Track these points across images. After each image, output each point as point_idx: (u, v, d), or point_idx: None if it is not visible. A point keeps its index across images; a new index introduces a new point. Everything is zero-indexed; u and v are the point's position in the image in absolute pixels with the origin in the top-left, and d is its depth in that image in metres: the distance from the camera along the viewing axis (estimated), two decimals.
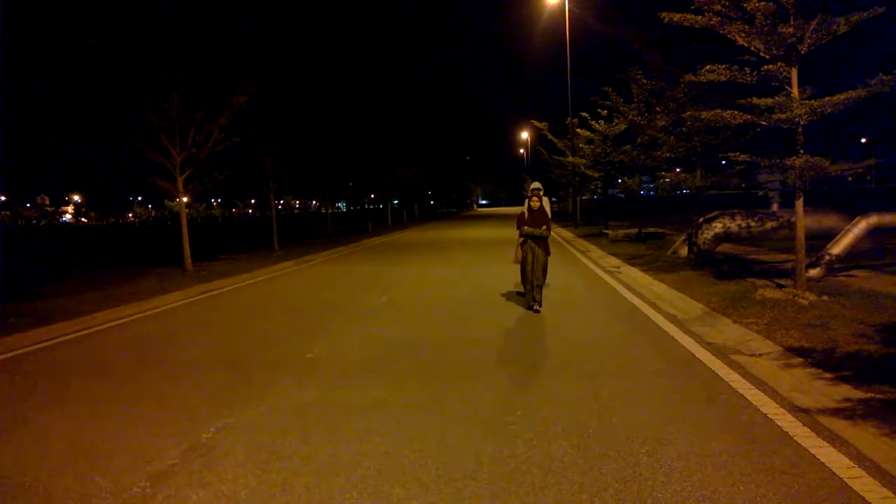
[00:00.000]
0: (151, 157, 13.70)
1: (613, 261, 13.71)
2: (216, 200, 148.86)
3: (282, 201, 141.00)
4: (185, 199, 14.91)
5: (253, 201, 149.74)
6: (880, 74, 6.74)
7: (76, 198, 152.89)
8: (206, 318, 9.00)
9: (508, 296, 9.44)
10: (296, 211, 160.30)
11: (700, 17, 7.74)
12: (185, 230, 14.61)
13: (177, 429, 4.26)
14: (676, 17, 7.97)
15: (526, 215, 8.32)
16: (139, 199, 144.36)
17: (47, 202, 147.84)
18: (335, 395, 4.94)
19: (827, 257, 9.10)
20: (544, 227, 8.21)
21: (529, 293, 8.24)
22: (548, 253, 8.33)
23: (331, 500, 3.16)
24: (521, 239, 8.31)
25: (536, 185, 8.50)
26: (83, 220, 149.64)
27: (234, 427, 4.25)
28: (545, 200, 8.49)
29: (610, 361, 5.66)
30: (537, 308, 8.10)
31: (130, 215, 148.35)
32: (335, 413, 4.47)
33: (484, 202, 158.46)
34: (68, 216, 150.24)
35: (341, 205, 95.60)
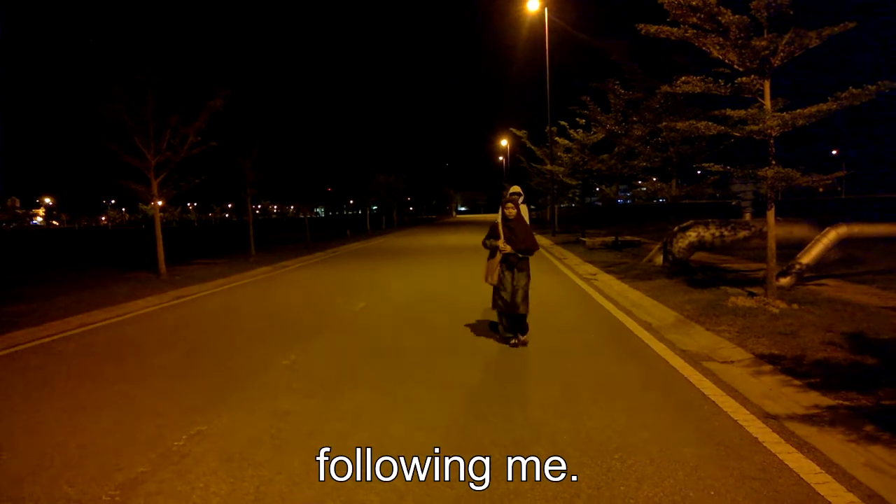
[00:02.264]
0: (125, 159, 13.47)
1: (590, 268, 13.82)
2: (192, 204, 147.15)
3: (259, 206, 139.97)
4: (159, 203, 14.70)
5: (230, 205, 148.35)
6: (850, 88, 6.89)
7: (47, 200, 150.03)
8: (180, 323, 8.87)
9: (485, 304, 9.44)
10: (274, 216, 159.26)
11: (676, 29, 7.83)
12: (158, 234, 14.38)
13: (148, 436, 4.19)
14: (653, 28, 8.05)
15: (500, 226, 6.55)
16: (112, 202, 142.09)
17: (18, 204, 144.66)
18: (310, 402, 4.90)
19: (797, 266, 9.27)
20: (525, 241, 6.42)
21: (509, 325, 6.69)
22: (528, 275, 6.55)
23: None
24: (496, 253, 6.51)
25: (515, 188, 7.44)
26: (54, 222, 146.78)
27: (206, 434, 4.19)
28: (523, 208, 6.90)
29: (585, 368, 5.71)
30: (515, 342, 6.58)
31: (103, 218, 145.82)
32: (310, 420, 4.44)
33: (463, 209, 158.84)
34: (39, 219, 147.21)
35: (320, 210, 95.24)
